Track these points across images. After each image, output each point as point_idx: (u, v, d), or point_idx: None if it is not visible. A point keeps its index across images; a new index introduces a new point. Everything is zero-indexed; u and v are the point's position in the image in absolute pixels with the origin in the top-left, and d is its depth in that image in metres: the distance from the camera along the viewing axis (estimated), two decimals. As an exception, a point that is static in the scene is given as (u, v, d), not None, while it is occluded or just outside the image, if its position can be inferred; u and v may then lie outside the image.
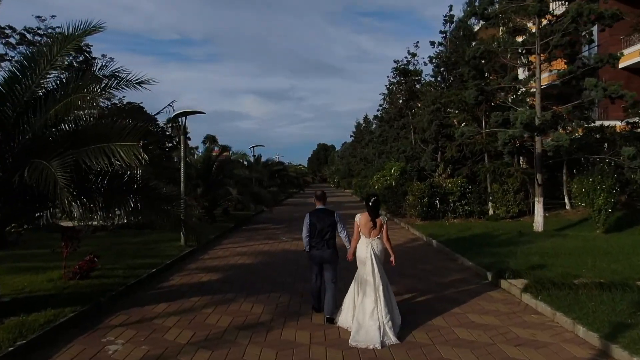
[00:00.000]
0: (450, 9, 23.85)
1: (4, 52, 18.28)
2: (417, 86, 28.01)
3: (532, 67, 18.93)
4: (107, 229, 13.92)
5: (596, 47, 21.79)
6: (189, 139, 56.41)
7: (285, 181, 44.56)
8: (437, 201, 19.98)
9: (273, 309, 7.70)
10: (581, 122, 16.93)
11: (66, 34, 6.79)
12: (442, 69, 24.23)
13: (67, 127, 6.16)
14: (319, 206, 7.54)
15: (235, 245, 14.85)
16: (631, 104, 15.49)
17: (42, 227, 8.10)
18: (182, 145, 14.13)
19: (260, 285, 9.35)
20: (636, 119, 19.63)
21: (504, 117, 15.64)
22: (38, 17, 19.14)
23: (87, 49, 20.28)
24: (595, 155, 19.39)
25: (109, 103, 21.25)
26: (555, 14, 17.08)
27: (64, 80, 6.41)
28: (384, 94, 35.69)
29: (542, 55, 15.34)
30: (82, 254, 9.65)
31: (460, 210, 19.94)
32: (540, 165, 15.29)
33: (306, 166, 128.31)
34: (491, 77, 20.30)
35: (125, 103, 24.11)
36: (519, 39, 16.87)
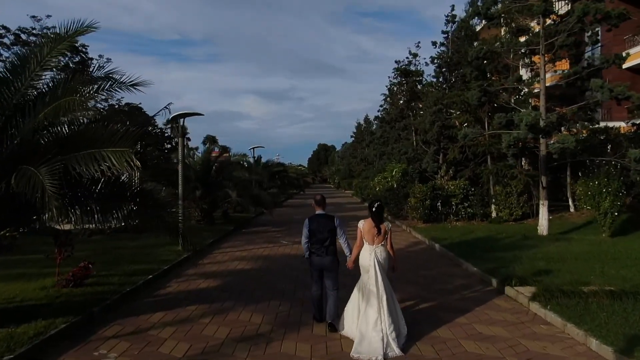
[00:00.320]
0: (453, 9, 23.58)
1: (-2, 53, 18.04)
2: (419, 87, 27.74)
3: (534, 67, 18.68)
4: (104, 232, 13.65)
5: (599, 48, 21.53)
6: (189, 139, 56.01)
7: (285, 182, 44.28)
8: (439, 204, 19.69)
9: (273, 319, 7.44)
10: (586, 123, 16.63)
11: (58, 34, 6.52)
12: (444, 69, 23.95)
13: (56, 132, 5.90)
14: (318, 211, 7.31)
15: (234, 250, 14.59)
16: (637, 106, 15.21)
17: (38, 231, 7.83)
18: (180, 148, 13.85)
19: (260, 292, 9.09)
20: (642, 120, 19.37)
21: (507, 118, 15.36)
22: (33, 17, 18.87)
23: (84, 50, 19.99)
24: (599, 156, 19.14)
25: (106, 104, 21.07)
26: (559, 14, 16.82)
27: (55, 82, 6.13)
28: (384, 94, 35.47)
29: (546, 55, 15.06)
30: (77, 259, 9.40)
31: (462, 212, 19.67)
32: (545, 167, 15.02)
33: (306, 166, 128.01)
34: (493, 78, 20.03)
35: (123, 104, 23.89)
36: (522, 39, 16.61)
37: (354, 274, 7.25)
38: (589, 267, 10.34)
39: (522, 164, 21.37)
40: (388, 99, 35.09)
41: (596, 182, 14.31)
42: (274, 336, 6.66)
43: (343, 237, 7.17)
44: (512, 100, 19.08)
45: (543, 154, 14.80)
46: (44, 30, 17.55)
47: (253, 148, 34.76)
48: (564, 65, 22.03)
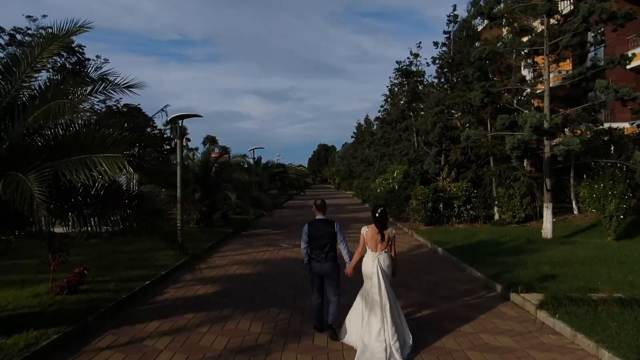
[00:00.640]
0: (454, 9, 23.37)
1: (-7, 54, 17.81)
2: (420, 87, 27.51)
3: (537, 68, 18.46)
4: (100, 235, 13.41)
5: (602, 48, 21.30)
6: (189, 140, 55.90)
7: (285, 183, 44.02)
8: (441, 206, 19.45)
9: (272, 328, 7.22)
10: (590, 124, 16.40)
11: (50, 34, 6.30)
12: (446, 69, 23.72)
13: (46, 137, 5.68)
14: (318, 216, 7.11)
15: (233, 253, 14.36)
16: (642, 107, 15.01)
17: (33, 235, 7.61)
18: (178, 150, 13.63)
19: (259, 299, 8.86)
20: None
21: (510, 119, 15.13)
22: (29, 17, 18.62)
23: (80, 50, 19.75)
24: (603, 158, 18.91)
25: (104, 106, 20.84)
26: (562, 13, 16.60)
27: (46, 84, 5.90)
28: (385, 95, 35.24)
29: (550, 56, 14.83)
30: (72, 264, 9.18)
31: (465, 215, 19.43)
32: (550, 170, 14.78)
33: (306, 167, 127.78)
34: (495, 78, 19.81)
35: (122, 105, 23.68)
36: (524, 40, 16.39)
37: (355, 280, 7.06)
38: (595, 272, 10.12)
39: (525, 165, 21.11)
40: (389, 99, 34.86)
41: (601, 185, 14.08)
42: (274, 347, 6.44)
43: (343, 242, 6.97)
44: (515, 101, 18.87)
45: (547, 156, 14.57)
46: (40, 31, 17.34)
47: (253, 149, 34.56)
48: (566, 65, 21.84)
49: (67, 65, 18.43)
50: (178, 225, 13.24)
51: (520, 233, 16.24)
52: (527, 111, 14.75)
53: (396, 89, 31.85)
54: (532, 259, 11.59)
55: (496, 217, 19.36)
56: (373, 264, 6.52)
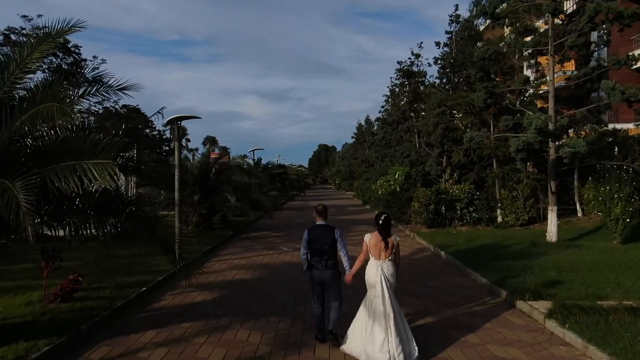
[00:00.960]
0: (457, 9, 23.13)
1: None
2: (421, 88, 27.26)
3: (540, 68, 18.22)
4: (98, 239, 13.11)
5: (605, 48, 21.06)
6: (189, 140, 55.66)
7: (286, 184, 43.75)
8: (443, 208, 19.17)
9: (272, 339, 6.97)
10: (595, 126, 16.15)
11: (41, 34, 6.06)
12: (448, 70, 23.46)
13: (34, 142, 5.43)
14: (319, 222, 6.87)
15: (232, 257, 14.11)
16: (647, 107, 14.77)
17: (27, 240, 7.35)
18: (176, 152, 13.37)
19: (259, 307, 8.60)
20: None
21: (514, 121, 14.89)
22: (24, 16, 18.31)
23: (77, 50, 19.46)
24: (607, 159, 18.65)
25: (101, 107, 20.60)
26: (566, 13, 16.36)
27: (35, 86, 5.65)
28: (386, 95, 35.02)
29: (555, 56, 14.58)
30: (67, 269, 8.92)
31: (467, 217, 19.18)
32: (554, 172, 14.53)
33: (307, 167, 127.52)
34: (497, 79, 19.56)
35: (120, 106, 23.46)
36: (527, 40, 16.14)
37: (357, 286, 6.85)
38: (603, 277, 9.90)
39: (528, 167, 20.84)
40: (389, 99, 34.64)
41: (607, 187, 13.83)
42: (274, 359, 6.20)
43: (343, 249, 6.74)
44: (518, 102, 18.62)
45: (552, 158, 14.31)
46: (36, 31, 17.07)
47: (253, 150, 34.34)
48: (568, 66, 21.59)
49: (64, 66, 18.15)
50: (176, 229, 13.10)
51: (524, 236, 15.99)
52: (531, 112, 14.48)
53: (397, 89, 31.62)
54: (537, 264, 11.35)
55: (499, 219, 19.11)
56: (376, 273, 6.31)
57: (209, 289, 10.04)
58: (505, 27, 19.12)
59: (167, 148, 26.28)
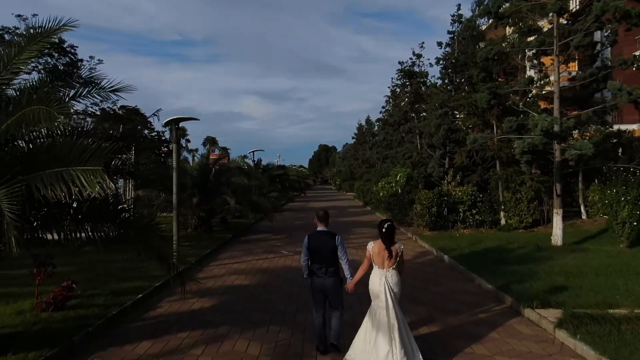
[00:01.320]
0: (459, 8, 22.81)
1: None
2: (423, 88, 26.98)
3: (544, 68, 17.95)
4: (94, 243, 12.85)
5: (609, 48, 20.80)
6: (188, 141, 55.41)
7: (286, 186, 43.48)
8: (445, 211, 18.88)
9: (272, 349, 6.71)
10: (600, 127, 15.89)
11: (31, 33, 5.80)
12: (450, 70, 23.18)
13: (20, 147, 5.16)
14: (320, 228, 6.62)
15: (232, 261, 13.85)
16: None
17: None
18: (174, 154, 13.11)
19: (258, 315, 8.34)
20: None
21: (518, 122, 14.62)
22: (19, 15, 17.97)
23: (72, 50, 19.14)
24: (611, 160, 18.38)
25: (97, 108, 20.32)
26: (571, 12, 16.07)
27: (23, 88, 5.39)
28: (387, 96, 34.75)
29: (560, 56, 14.31)
30: (61, 275, 8.64)
31: (470, 220, 18.89)
32: (560, 174, 14.26)
33: (307, 167, 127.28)
34: (500, 79, 19.29)
35: (119, 107, 23.19)
36: (530, 39, 15.88)
37: (360, 292, 6.62)
38: (611, 283, 9.63)
39: (531, 168, 20.56)
40: (390, 100, 34.38)
41: (614, 190, 13.56)
42: (273, 372, 5.95)
43: (344, 257, 6.50)
44: (521, 104, 18.34)
45: (558, 160, 14.03)
46: (28, 31, 16.74)
47: (253, 151, 34.07)
48: (572, 66, 21.31)
49: (60, 67, 17.87)
50: (174, 232, 12.83)
51: (528, 239, 15.73)
52: (535, 114, 14.21)
53: (398, 89, 31.35)
54: (543, 269, 11.09)
55: (502, 222, 18.83)
56: (380, 282, 6.09)
57: (207, 295, 9.79)
58: (508, 27, 18.84)
59: (166, 149, 26.02)
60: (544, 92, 18.72)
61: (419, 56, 27.14)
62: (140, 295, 9.18)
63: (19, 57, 5.42)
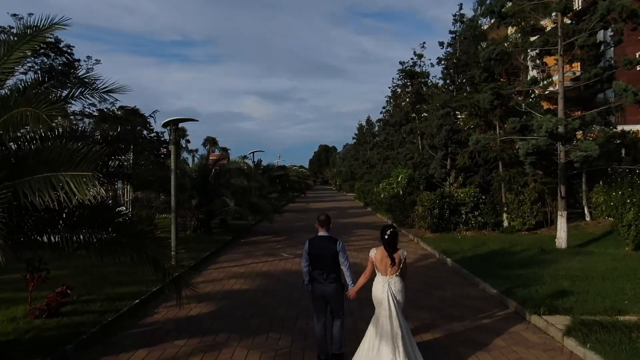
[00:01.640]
0: (461, 8, 22.56)
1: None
2: (424, 89, 26.75)
3: (546, 68, 17.73)
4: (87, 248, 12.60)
5: (612, 48, 20.58)
6: (188, 141, 55.31)
7: (286, 186, 43.23)
8: (447, 213, 18.64)
9: (271, 358, 6.51)
10: (605, 128, 15.67)
11: (21, 32, 5.59)
12: (451, 70, 22.94)
13: (6, 151, 4.95)
14: (321, 233, 6.42)
15: (231, 264, 13.64)
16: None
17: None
18: (173, 156, 12.89)
19: (258, 321, 8.13)
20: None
21: (522, 123, 14.40)
22: (14, 15, 17.72)
23: (69, 50, 18.87)
24: (615, 162, 18.16)
25: (95, 109, 20.12)
26: (575, 12, 15.86)
27: (11, 90, 5.18)
28: (388, 96, 34.52)
29: (564, 56, 14.09)
30: (55, 280, 8.42)
31: (472, 221, 18.66)
32: (564, 176, 14.04)
33: (307, 168, 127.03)
34: (502, 79, 19.06)
35: (117, 107, 22.99)
36: (532, 39, 15.67)
37: (363, 298, 6.43)
38: (619, 288, 9.42)
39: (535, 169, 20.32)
40: (391, 100, 34.15)
41: (619, 192, 13.35)
42: (273, 383, 5.73)
43: (346, 263, 6.30)
44: (524, 104, 18.12)
45: (562, 161, 13.81)
46: (18, 30, 16.48)
47: (253, 152, 33.84)
48: (575, 66, 21.07)
49: (57, 67, 17.63)
50: (172, 235, 12.62)
51: (532, 242, 15.51)
52: (539, 115, 13.99)
53: (399, 90, 31.12)
54: (548, 272, 10.88)
55: (505, 224, 18.60)
56: (383, 289, 5.92)
57: (206, 300, 9.58)
58: (510, 27, 18.62)
59: (165, 150, 25.81)
60: (546, 92, 18.52)
61: (420, 56, 26.92)
62: (137, 301, 8.96)
63: (9, 56, 5.20)
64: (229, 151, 58.03)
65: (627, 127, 20.36)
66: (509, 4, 14.80)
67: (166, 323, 8.12)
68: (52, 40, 17.17)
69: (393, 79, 32.55)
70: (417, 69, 27.19)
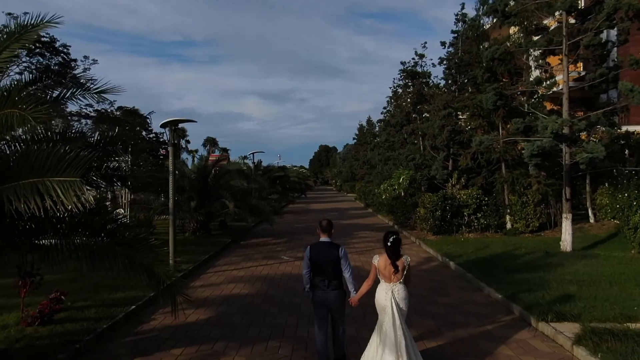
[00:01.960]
0: (463, 7, 22.34)
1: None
2: (426, 89, 26.50)
3: (549, 68, 17.50)
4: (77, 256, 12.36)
5: (615, 48, 20.34)
6: (188, 142, 54.95)
7: (287, 187, 42.96)
8: (449, 215, 18.39)
9: (271, 369, 6.27)
10: (610, 129, 15.43)
11: (8, 31, 5.37)
12: (453, 70, 22.70)
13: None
14: (323, 238, 6.21)
15: (230, 268, 13.40)
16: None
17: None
18: (170, 157, 12.65)
19: (257, 329, 7.90)
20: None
21: (526, 124, 14.17)
22: (9, 14, 17.46)
23: (65, 50, 18.59)
24: (618, 163, 17.94)
25: (92, 109, 19.87)
26: (579, 11, 15.62)
27: None
28: (389, 96, 34.26)
29: (569, 56, 13.86)
30: (49, 284, 8.18)
31: (475, 223, 18.42)
32: (569, 178, 13.80)
33: (307, 168, 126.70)
34: (504, 80, 18.82)
35: (116, 107, 22.76)
36: (535, 39, 15.43)
37: (364, 304, 6.23)
38: (627, 293, 9.20)
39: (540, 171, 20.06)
40: (392, 101, 33.88)
41: (625, 194, 13.12)
42: (273, 396, 5.50)
43: (348, 270, 6.10)
44: (526, 105, 17.89)
45: (567, 163, 13.57)
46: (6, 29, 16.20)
47: (253, 153, 33.60)
48: (579, 66, 20.83)
49: (53, 67, 17.37)
50: (170, 239, 12.40)
51: (536, 244, 15.27)
52: (544, 115, 13.76)
53: (400, 90, 30.85)
54: (554, 277, 10.66)
55: (508, 226, 18.36)
56: (386, 296, 5.74)
57: (204, 305, 9.35)
58: (513, 26, 18.40)
59: (164, 151, 25.58)
60: (549, 92, 18.28)
61: (421, 56, 26.65)
62: (133, 307, 8.73)
63: (-4, 56, 4.97)
64: (229, 152, 57.87)
65: (631, 128, 20.15)
66: (512, 2, 14.58)
67: (163, 330, 7.88)
68: (47, 39, 16.94)
69: (394, 79, 32.25)
70: (419, 69, 26.94)
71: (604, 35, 17.14)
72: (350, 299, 6.09)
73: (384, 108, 36.53)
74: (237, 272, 12.75)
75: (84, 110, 18.35)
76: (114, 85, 5.48)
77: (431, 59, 39.62)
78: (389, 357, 5.55)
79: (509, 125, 18.14)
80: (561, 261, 12.47)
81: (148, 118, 23.77)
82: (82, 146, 5.00)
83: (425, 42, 30.34)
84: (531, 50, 18.15)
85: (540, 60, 16.97)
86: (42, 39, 16.44)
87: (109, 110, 21.58)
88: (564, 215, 13.93)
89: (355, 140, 66.00)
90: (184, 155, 48.25)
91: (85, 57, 20.22)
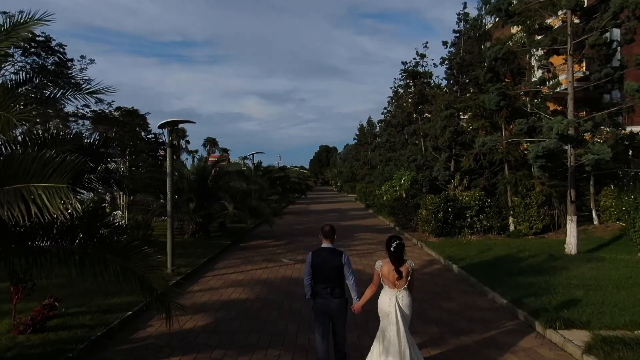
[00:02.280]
0: (464, 7, 22.13)
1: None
2: (427, 89, 26.28)
3: (552, 68, 17.28)
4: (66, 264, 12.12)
5: (619, 48, 20.12)
6: (188, 142, 54.72)
7: (287, 188, 42.72)
8: (451, 216, 18.15)
9: (270, 379, 6.05)
10: (615, 129, 15.19)
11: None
12: (455, 70, 22.47)
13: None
14: (325, 244, 6.00)
15: (229, 271, 13.17)
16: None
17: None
18: (168, 159, 12.43)
19: (256, 336, 7.68)
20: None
21: (529, 124, 13.95)
22: (4, 12, 17.21)
23: (61, 49, 18.32)
24: (622, 164, 17.69)
25: (89, 110, 19.66)
26: (584, 10, 15.39)
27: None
28: (389, 97, 34.07)
29: (573, 56, 13.63)
30: (43, 290, 7.91)
31: (477, 225, 18.18)
32: (574, 179, 13.57)
33: (307, 168, 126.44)
34: (507, 80, 18.59)
35: (115, 108, 22.54)
36: (538, 38, 15.21)
37: (367, 310, 6.08)
38: (635, 298, 9.00)
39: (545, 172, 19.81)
40: (393, 101, 33.69)
41: (631, 197, 12.89)
42: (272, 409, 5.29)
43: (351, 277, 5.92)
44: (529, 105, 17.66)
45: (572, 165, 13.33)
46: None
47: (253, 154, 33.39)
48: (582, 66, 20.58)
49: (48, 67, 17.12)
50: (168, 241, 12.18)
51: (539, 247, 15.04)
52: (548, 116, 13.54)
53: (401, 90, 30.65)
54: (560, 281, 10.44)
55: (511, 227, 18.12)
56: (390, 303, 5.58)
57: (202, 311, 9.13)
58: (516, 26, 18.17)
59: (163, 152, 25.37)
60: (552, 92, 18.05)
61: (422, 56, 26.45)
62: (129, 313, 8.51)
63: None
64: (229, 152, 57.66)
65: (635, 129, 19.89)
66: (515, 1, 14.36)
67: (159, 338, 7.66)
68: (43, 38, 16.70)
69: (395, 79, 32.12)
70: (420, 69, 26.73)
71: (607, 35, 16.94)
72: (353, 306, 5.93)
73: (385, 108, 36.40)
74: (237, 276, 12.52)
75: (81, 110, 18.15)
76: (106, 86, 5.30)
77: (432, 59, 39.49)
78: (392, 365, 5.38)
79: (511, 126, 17.90)
80: (566, 264, 12.24)
81: (146, 118, 23.54)
82: (74, 149, 4.79)
83: (427, 42, 30.09)
84: (534, 50, 17.96)
85: (544, 60, 16.76)
86: (38, 38, 16.22)
87: (107, 111, 21.36)
88: (568, 217, 13.69)
89: (355, 141, 65.78)
90: (184, 156, 48.12)
91: (82, 56, 19.99)
